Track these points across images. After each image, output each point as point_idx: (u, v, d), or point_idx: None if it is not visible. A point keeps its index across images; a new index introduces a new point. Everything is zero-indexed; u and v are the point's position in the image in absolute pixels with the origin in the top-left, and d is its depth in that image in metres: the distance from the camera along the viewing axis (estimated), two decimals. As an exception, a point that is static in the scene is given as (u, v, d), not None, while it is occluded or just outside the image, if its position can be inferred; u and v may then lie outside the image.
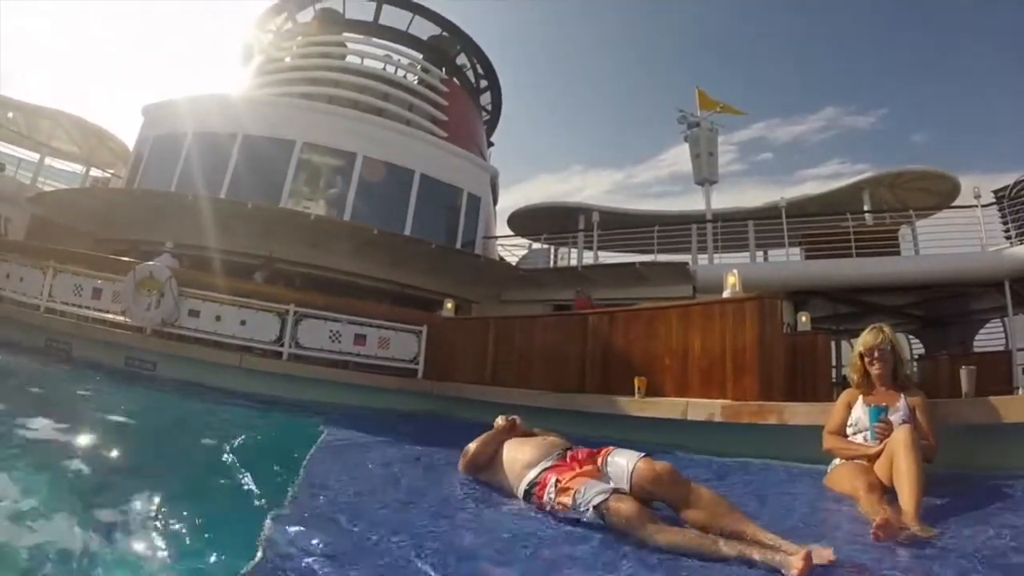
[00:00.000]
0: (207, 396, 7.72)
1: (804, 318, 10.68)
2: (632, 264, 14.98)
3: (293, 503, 3.04)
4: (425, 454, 4.73)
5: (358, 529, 2.62)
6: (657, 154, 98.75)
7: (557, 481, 2.97)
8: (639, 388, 6.97)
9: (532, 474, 3.19)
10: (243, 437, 4.68)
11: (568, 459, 3.18)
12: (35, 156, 17.82)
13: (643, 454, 2.96)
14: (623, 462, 2.94)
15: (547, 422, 7.14)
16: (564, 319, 9.52)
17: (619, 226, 18.26)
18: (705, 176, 19.06)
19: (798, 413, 5.28)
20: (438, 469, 4.19)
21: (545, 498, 2.98)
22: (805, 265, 14.31)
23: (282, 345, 9.16)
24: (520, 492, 3.20)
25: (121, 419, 4.96)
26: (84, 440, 4.06)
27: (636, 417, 6.70)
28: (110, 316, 9.34)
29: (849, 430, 3.83)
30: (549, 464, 3.19)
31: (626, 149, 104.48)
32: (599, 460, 3.07)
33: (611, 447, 3.14)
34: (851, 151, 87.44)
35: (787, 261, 15.63)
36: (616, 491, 2.76)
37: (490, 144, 23.87)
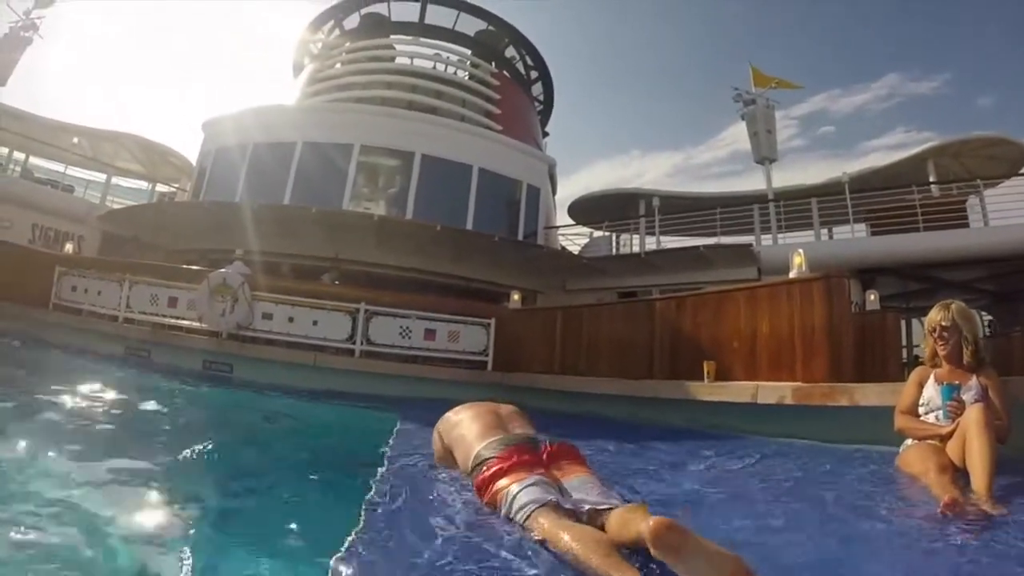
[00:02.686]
0: (286, 394, 7.87)
1: (872, 296, 10.20)
2: (696, 248, 14.53)
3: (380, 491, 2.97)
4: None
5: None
6: (716, 134, 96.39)
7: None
8: (708, 373, 6.89)
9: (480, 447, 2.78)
10: (324, 429, 4.96)
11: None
12: (102, 176, 18.53)
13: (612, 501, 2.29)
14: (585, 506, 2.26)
15: (616, 409, 7.17)
16: (631, 306, 9.54)
17: (680, 210, 17.75)
18: (764, 154, 18.36)
19: (869, 394, 5.18)
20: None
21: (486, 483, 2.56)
22: (871, 241, 13.83)
23: (354, 343, 9.32)
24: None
25: (211, 417, 5.14)
26: (194, 440, 4.05)
27: (706, 402, 6.63)
28: (186, 323, 9.66)
29: (921, 409, 3.68)
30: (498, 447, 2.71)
31: (684, 130, 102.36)
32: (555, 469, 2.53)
33: (581, 469, 2.58)
34: (916, 119, 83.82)
35: (852, 238, 14.98)
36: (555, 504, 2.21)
37: (545, 134, 23.67)
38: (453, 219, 14.30)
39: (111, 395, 6.01)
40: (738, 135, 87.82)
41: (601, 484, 2.46)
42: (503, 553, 1.98)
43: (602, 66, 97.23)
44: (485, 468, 2.60)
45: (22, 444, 3.40)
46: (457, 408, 3.32)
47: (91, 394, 5.81)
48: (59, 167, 19.29)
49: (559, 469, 2.53)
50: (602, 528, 2.09)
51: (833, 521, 2.67)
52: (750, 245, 14.26)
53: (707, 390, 6.71)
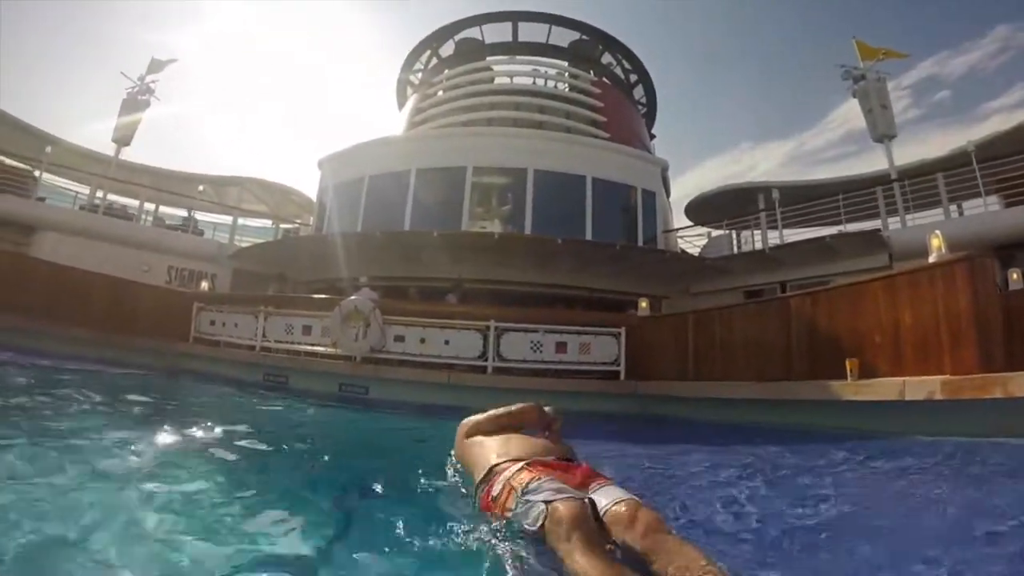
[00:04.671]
0: (423, 414, 8.02)
1: (1015, 275, 9.01)
2: (820, 238, 13.54)
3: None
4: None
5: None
6: (824, 115, 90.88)
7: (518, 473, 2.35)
8: (851, 370, 6.43)
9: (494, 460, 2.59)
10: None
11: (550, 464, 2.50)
12: (229, 219, 19.52)
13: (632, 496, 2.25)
14: (604, 501, 2.19)
15: (753, 414, 6.81)
16: (764, 305, 9.15)
17: (800, 200, 16.59)
18: (882, 131, 16.97)
19: (1026, 383, 4.69)
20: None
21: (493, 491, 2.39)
22: (1007, 214, 12.29)
23: (486, 360, 9.38)
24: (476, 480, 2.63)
25: (358, 438, 5.16)
26: (347, 460, 4.23)
27: (850, 402, 6.25)
28: (320, 349, 10.04)
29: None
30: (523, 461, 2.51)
31: (792, 116, 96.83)
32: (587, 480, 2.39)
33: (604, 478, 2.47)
34: (1034, 70, 75.95)
35: (985, 212, 13.42)
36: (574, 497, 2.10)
37: (652, 136, 23.06)
38: (571, 231, 14.06)
39: (257, 420, 6.21)
40: (848, 114, 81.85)
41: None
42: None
43: (700, 60, 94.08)
44: (496, 472, 2.49)
45: (186, 469, 3.42)
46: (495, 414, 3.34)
47: (238, 419, 5.92)
48: (186, 212, 20.49)
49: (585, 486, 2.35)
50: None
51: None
52: (878, 230, 13.13)
53: (851, 389, 6.30)
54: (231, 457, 3.81)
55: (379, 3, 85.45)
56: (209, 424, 4.91)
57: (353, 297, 10.20)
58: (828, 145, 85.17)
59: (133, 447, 3.79)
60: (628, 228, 15.44)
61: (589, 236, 14.32)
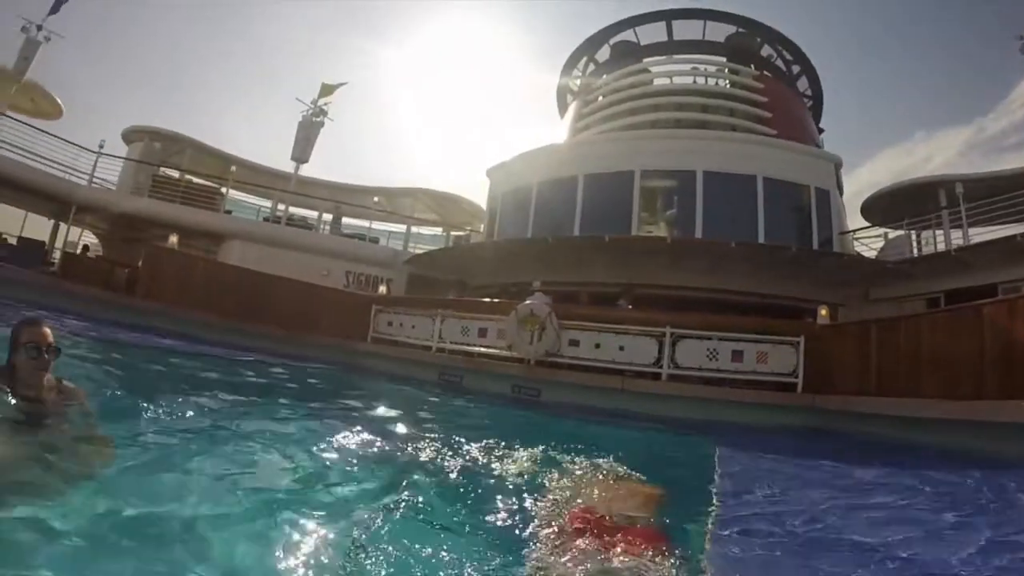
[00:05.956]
0: (597, 419, 8.08)
1: None
2: (1012, 237, 12.20)
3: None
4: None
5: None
6: (1004, 95, 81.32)
7: None
8: None
9: None
10: (648, 454, 5.05)
11: None
12: (402, 227, 21.05)
13: None
14: None
15: (941, 435, 6.28)
16: (954, 314, 8.26)
17: (986, 194, 15.01)
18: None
19: None
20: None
21: None
22: None
23: (660, 366, 9.28)
24: None
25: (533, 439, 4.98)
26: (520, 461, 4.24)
27: None
28: (495, 351, 10.45)
29: None
30: None
31: (967, 98, 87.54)
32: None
33: None
34: None
35: None
36: None
37: (820, 131, 21.84)
38: (743, 234, 13.64)
39: (436, 414, 6.67)
40: (1034, 92, 74.07)
41: None
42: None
43: (861, 44, 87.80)
44: None
45: (364, 459, 3.78)
46: None
47: (417, 413, 6.42)
48: (364, 223, 22.21)
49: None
50: None
51: None
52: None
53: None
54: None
55: (532, 13, 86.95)
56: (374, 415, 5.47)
57: (529, 301, 10.43)
58: (1011, 128, 75.64)
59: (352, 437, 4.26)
60: (802, 230, 14.74)
61: (762, 239, 13.82)
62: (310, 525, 2.44)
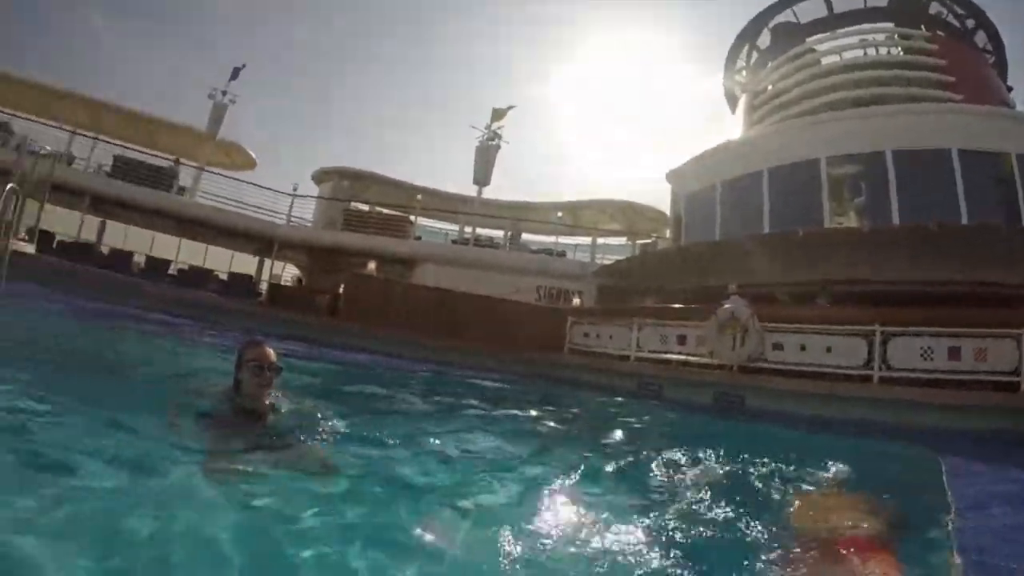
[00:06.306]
0: (809, 429, 7.85)
1: None
2: None
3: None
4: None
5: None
6: None
7: None
8: None
9: None
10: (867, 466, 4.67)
11: None
12: (586, 239, 22.19)
13: None
14: None
15: None
16: None
17: None
18: None
19: None
20: None
21: None
22: None
23: (871, 368, 8.87)
24: None
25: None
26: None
27: None
28: (695, 359, 10.44)
29: None
30: None
31: None
32: None
33: None
34: None
35: None
36: None
37: (1009, 89, 20.08)
38: (942, 216, 12.91)
39: (638, 426, 6.75)
40: None
41: None
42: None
43: None
44: None
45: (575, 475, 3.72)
46: None
47: (618, 425, 6.56)
48: (546, 238, 23.71)
49: None
50: None
51: None
52: None
53: None
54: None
55: (689, 14, 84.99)
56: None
57: (728, 305, 10.22)
58: None
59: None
60: (1009, 205, 13.69)
61: (965, 219, 13.12)
62: (532, 532, 2.59)
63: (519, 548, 2.38)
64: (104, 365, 5.73)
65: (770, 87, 18.94)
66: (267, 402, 3.27)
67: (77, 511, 2.10)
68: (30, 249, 13.22)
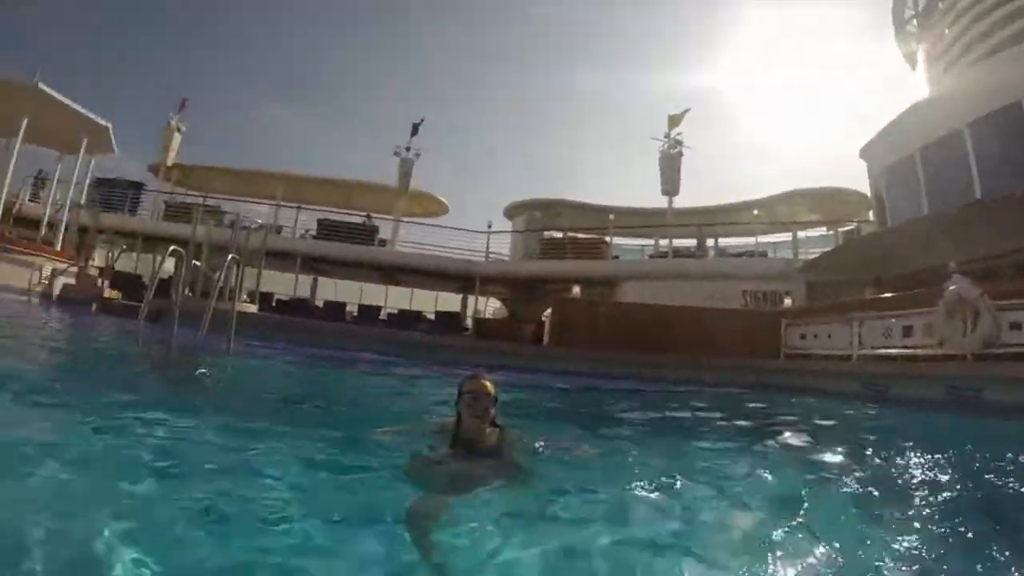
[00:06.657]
0: None
1: None
2: None
3: None
4: None
5: None
6: None
7: None
8: None
9: None
10: None
11: None
12: (786, 235, 21.33)
13: None
14: None
15: None
16: None
17: None
18: None
19: None
20: None
21: None
22: None
23: None
24: None
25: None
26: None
27: None
28: (921, 351, 9.42)
29: None
30: None
31: None
32: None
33: None
34: None
35: None
36: None
37: None
38: None
39: (869, 433, 6.18)
40: None
41: None
42: None
43: None
44: None
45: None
46: None
47: (848, 432, 6.20)
48: (743, 240, 23.36)
49: None
50: None
51: None
52: None
53: None
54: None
55: None
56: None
57: (953, 286, 8.95)
58: None
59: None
60: None
61: None
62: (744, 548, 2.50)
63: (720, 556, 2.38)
64: (331, 401, 6.56)
65: (947, 31, 17.23)
66: (487, 431, 3.36)
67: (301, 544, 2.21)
68: (253, 308, 15.02)
